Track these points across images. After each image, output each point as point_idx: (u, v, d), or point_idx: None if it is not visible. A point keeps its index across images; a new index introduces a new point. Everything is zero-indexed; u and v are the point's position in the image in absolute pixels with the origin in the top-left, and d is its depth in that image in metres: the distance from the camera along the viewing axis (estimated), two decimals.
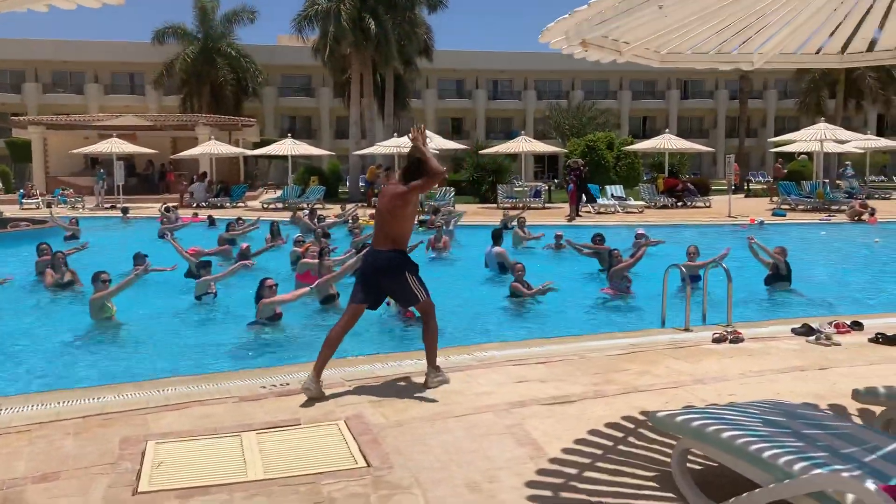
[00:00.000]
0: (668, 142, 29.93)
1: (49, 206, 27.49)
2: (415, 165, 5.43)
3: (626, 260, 10.67)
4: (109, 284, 8.71)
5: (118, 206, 26.15)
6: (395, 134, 30.60)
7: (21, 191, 30.26)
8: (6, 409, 5.05)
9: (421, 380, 5.41)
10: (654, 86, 64.80)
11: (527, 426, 4.51)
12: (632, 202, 25.88)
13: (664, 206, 26.32)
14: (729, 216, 22.05)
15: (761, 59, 4.49)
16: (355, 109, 34.80)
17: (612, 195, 26.24)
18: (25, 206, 27.31)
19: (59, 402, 5.17)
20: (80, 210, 26.11)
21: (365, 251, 5.71)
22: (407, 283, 5.36)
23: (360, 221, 18.25)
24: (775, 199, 27.09)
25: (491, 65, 60.58)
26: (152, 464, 3.99)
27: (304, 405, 4.94)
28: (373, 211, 23.16)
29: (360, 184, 33.30)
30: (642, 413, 4.59)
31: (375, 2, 32.49)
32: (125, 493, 3.64)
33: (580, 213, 22.89)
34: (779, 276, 10.71)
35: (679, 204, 26.66)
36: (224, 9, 44.08)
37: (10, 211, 24.06)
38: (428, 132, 29.15)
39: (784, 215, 22.96)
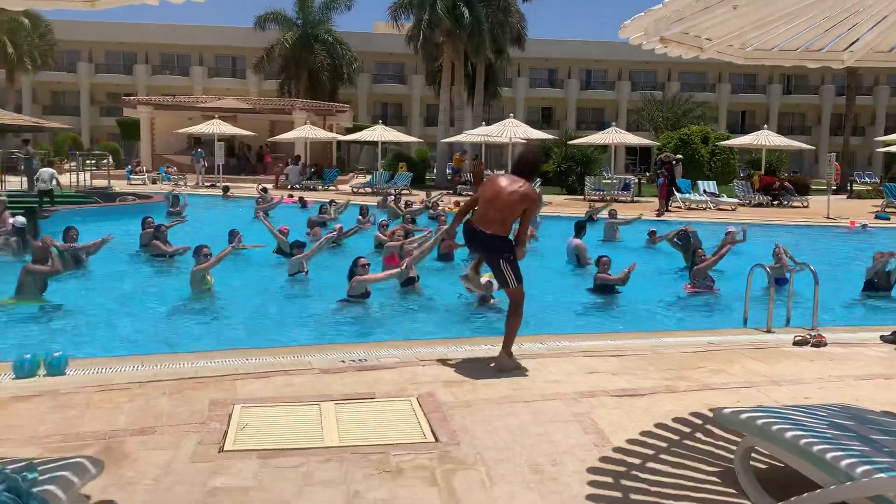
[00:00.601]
0: (765, 138, 28.87)
1: (154, 182, 29.08)
2: (530, 165, 5.72)
3: (709, 258, 10.45)
4: (209, 258, 9.26)
5: (218, 184, 27.41)
6: (484, 122, 30.70)
7: (129, 167, 32.05)
8: (110, 369, 5.51)
9: (494, 364, 5.55)
10: (754, 79, 62.42)
11: (594, 415, 4.58)
12: (724, 199, 25.13)
13: (759, 205, 25.47)
14: (827, 217, 21.13)
15: (852, 57, 4.36)
16: (445, 97, 35.08)
17: (703, 191, 25.57)
18: (133, 182, 28.97)
19: (157, 365, 5.59)
20: (183, 188, 27.46)
21: (465, 227, 5.87)
22: (500, 267, 5.54)
23: (443, 208, 18.49)
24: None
25: (584, 54, 59.74)
26: (238, 425, 4.28)
27: (383, 379, 5.17)
28: (457, 199, 23.35)
29: (448, 171, 33.62)
30: (711, 410, 4.58)
31: None
32: (212, 451, 3.94)
33: (670, 209, 22.42)
34: (881, 282, 10.21)
35: (775, 203, 25.73)
36: None
37: (119, 186, 25.55)
38: (516, 121, 29.10)
39: (888, 219, 21.79)
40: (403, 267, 9.39)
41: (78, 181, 24.35)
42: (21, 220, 12.06)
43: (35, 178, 19.97)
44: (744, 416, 3.50)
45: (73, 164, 26.59)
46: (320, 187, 29.19)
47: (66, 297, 8.91)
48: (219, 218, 17.59)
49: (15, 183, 23.46)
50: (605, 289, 9.82)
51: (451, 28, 32.28)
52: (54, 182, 19.15)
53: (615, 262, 10.11)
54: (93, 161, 31.42)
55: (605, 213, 17.25)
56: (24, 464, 2.80)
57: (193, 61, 57.65)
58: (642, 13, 3.19)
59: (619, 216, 16.53)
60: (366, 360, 5.70)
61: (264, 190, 21.55)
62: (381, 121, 35.26)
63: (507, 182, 5.59)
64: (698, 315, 9.37)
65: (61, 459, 3.01)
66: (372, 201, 20.14)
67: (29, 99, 54.36)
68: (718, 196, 25.37)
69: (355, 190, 28.38)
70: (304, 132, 31.62)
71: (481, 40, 32.84)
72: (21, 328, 7.73)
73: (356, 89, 54.73)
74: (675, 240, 12.93)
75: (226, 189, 24.19)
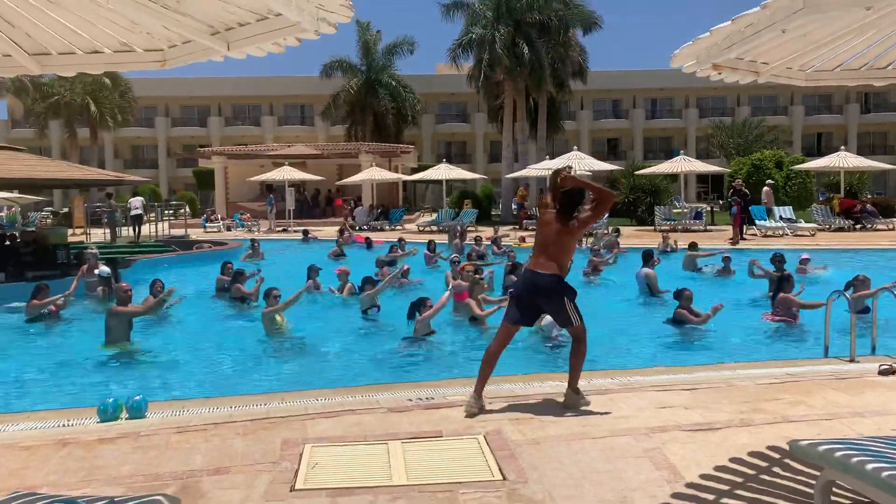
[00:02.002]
0: (843, 160, 27.92)
1: (229, 228, 30.09)
2: (571, 195, 5.53)
3: (802, 301, 9.71)
4: (280, 300, 9.50)
5: (289, 229, 28.22)
6: (548, 156, 30.69)
7: (204, 216, 33.30)
8: (187, 411, 5.70)
9: (561, 400, 5.49)
10: (829, 100, 60.62)
11: (665, 451, 4.46)
12: (802, 224, 24.31)
13: (839, 229, 24.54)
14: None
15: None
16: (508, 133, 35.29)
17: (780, 217, 24.82)
18: (208, 230, 30.06)
19: (231, 406, 5.75)
20: (256, 233, 28.34)
21: (522, 272, 5.81)
22: (564, 307, 5.48)
23: (509, 242, 18.51)
24: None
25: (649, 83, 59.22)
26: (308, 464, 4.36)
27: (450, 417, 5.18)
28: (524, 234, 23.36)
29: (513, 206, 33.67)
30: (789, 443, 4.41)
31: (529, 27, 32.94)
32: (284, 489, 4.01)
33: (745, 237, 21.81)
34: None
35: (857, 227, 24.76)
36: (385, 41, 46.47)
37: (196, 234, 26.54)
38: (580, 153, 28.96)
39: None
40: (450, 294, 9.38)
41: (157, 231, 25.42)
42: (105, 269, 12.67)
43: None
44: (822, 448, 3.35)
45: (153, 214, 27.81)
46: (387, 227, 29.64)
47: (147, 342, 9.27)
48: (296, 260, 17.97)
49: (98, 235, 24.66)
50: (682, 322, 9.51)
51: (511, 65, 32.59)
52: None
53: (693, 291, 9.82)
54: (171, 211, 32.80)
55: (682, 244, 16.81)
56: (105, 501, 2.93)
57: (264, 111, 59.91)
58: (691, 41, 3.18)
59: (699, 248, 15.98)
60: (433, 398, 5.72)
61: (341, 232, 22.13)
62: (445, 159, 35.73)
63: (552, 229, 5.55)
64: (776, 346, 9.04)
65: (140, 498, 3.12)
66: (439, 238, 20.27)
67: (111, 154, 57.41)
68: (796, 221, 24.57)
69: (421, 228, 28.71)
70: (371, 174, 32.30)
71: (542, 76, 33.02)
72: (104, 373, 8.06)
73: (420, 130, 55.69)
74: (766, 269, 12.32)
75: (305, 233, 24.79)
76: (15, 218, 32.51)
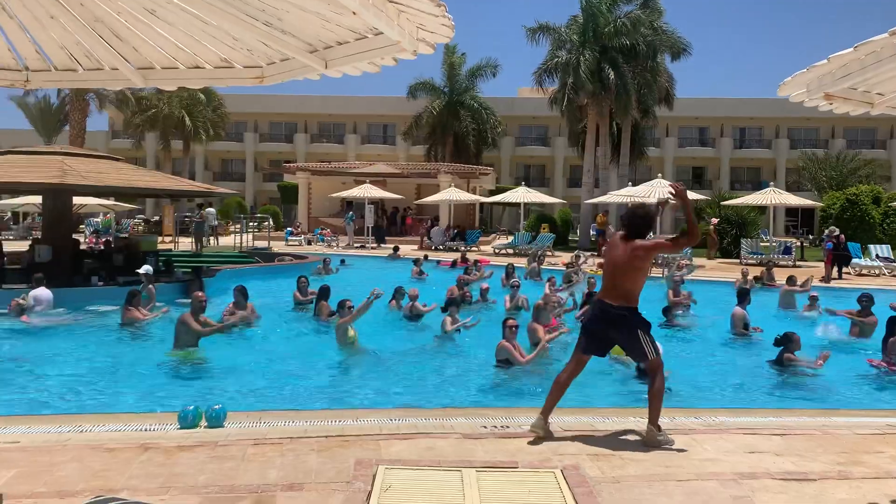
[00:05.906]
0: None
1: (309, 242, 30.68)
2: (641, 221, 5.44)
3: None
4: (352, 311, 9.53)
5: (368, 245, 28.62)
6: (630, 183, 30.16)
7: (289, 229, 34.16)
8: (263, 423, 5.75)
9: (641, 437, 5.27)
10: None
11: (756, 500, 4.21)
12: None
13: None
14: None
15: None
16: (589, 158, 34.87)
17: (876, 255, 23.58)
18: (290, 242, 30.77)
19: (306, 421, 5.77)
20: (335, 248, 28.82)
21: (594, 302, 5.67)
22: (638, 339, 5.33)
23: (586, 269, 18.13)
24: None
25: (738, 112, 57.75)
26: (381, 486, 4.30)
27: (525, 447, 5.04)
28: (601, 261, 22.78)
29: (591, 232, 33.17)
30: (894, 503, 4.08)
31: (615, 52, 32.56)
32: None
33: (842, 276, 20.69)
34: None
35: None
36: (469, 64, 46.85)
37: (277, 246, 27.20)
38: (664, 180, 28.39)
39: None
40: (548, 339, 9.09)
41: (241, 242, 26.16)
42: (147, 267, 13.19)
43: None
44: None
45: (238, 226, 28.70)
46: (463, 248, 29.65)
47: (224, 351, 9.44)
48: (381, 276, 18.01)
49: (186, 244, 25.57)
50: (787, 366, 8.89)
51: (595, 90, 32.25)
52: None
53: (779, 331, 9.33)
54: (255, 224, 33.76)
55: (781, 281, 15.95)
56: None
57: (348, 129, 61.29)
58: (804, 69, 3.00)
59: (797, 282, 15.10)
60: (508, 426, 5.59)
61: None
62: (523, 182, 35.54)
63: (619, 253, 5.43)
64: (881, 392, 8.46)
65: None
66: (518, 262, 20.03)
67: (202, 166, 59.74)
68: (894, 261, 23.28)
69: (497, 251, 28.59)
70: (448, 195, 32.44)
71: (627, 101, 32.51)
72: (182, 380, 8.25)
73: (500, 152, 55.82)
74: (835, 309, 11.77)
75: (395, 249, 25.04)
76: (109, 224, 34.15)
